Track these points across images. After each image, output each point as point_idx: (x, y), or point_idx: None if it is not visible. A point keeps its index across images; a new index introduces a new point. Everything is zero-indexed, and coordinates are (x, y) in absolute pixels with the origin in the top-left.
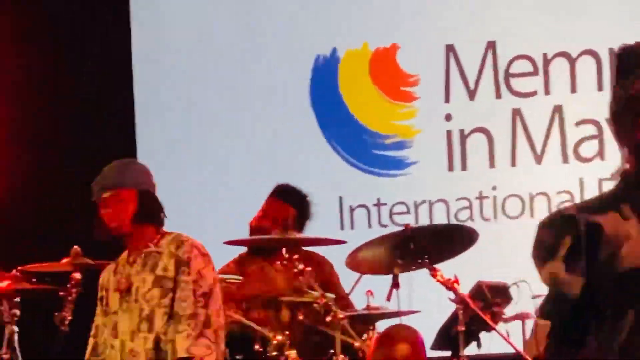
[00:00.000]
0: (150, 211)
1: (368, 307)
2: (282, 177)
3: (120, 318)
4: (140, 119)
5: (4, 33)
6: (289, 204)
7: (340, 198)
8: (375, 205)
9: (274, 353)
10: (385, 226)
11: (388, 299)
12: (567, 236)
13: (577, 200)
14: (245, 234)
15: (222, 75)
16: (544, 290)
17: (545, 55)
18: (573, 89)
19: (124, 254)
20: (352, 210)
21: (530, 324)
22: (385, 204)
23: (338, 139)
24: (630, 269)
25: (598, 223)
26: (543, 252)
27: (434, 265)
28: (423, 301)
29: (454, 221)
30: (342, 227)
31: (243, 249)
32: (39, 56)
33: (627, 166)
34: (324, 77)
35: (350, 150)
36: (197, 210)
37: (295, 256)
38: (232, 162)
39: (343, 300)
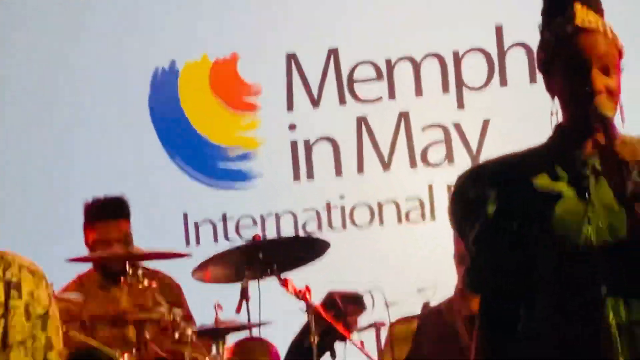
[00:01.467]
0: None
1: (217, 321)
2: (126, 195)
3: None
4: None
5: None
6: (121, 218)
7: (185, 214)
8: (220, 220)
9: None
10: (231, 240)
11: (238, 311)
12: (492, 192)
13: (427, 208)
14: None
15: (58, 92)
16: (398, 297)
17: (388, 60)
18: (418, 93)
19: None
20: (197, 226)
21: (384, 332)
22: (231, 218)
23: (181, 154)
24: (561, 236)
25: (528, 180)
26: (466, 209)
27: (285, 276)
28: (275, 312)
29: (302, 232)
30: (187, 243)
31: (84, 267)
32: None
33: (562, 120)
34: (164, 90)
35: (193, 165)
36: (37, 227)
37: (140, 272)
38: (73, 180)
39: (190, 320)
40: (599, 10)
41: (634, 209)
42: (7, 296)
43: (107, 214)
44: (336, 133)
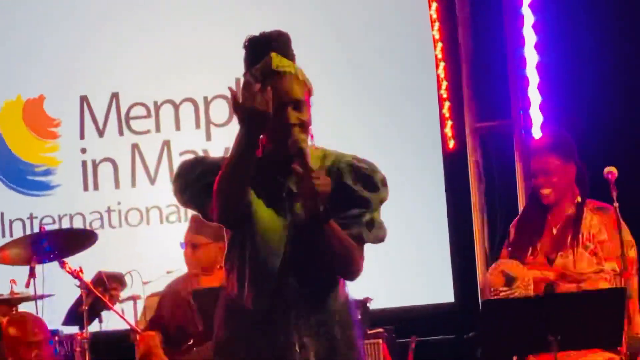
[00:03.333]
0: None
1: (11, 293)
2: None
3: None
4: None
5: None
6: None
7: (2, 213)
8: (28, 218)
9: None
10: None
11: (27, 286)
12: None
13: (183, 212)
14: None
15: None
16: (152, 277)
17: (155, 102)
18: (177, 127)
19: None
20: (11, 222)
21: (140, 303)
22: (36, 217)
23: (1, 169)
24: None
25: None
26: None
27: (64, 259)
28: (57, 287)
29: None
30: (3, 235)
31: None
32: None
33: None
34: None
35: (10, 177)
36: None
37: None
38: None
39: None
40: (291, 57)
41: (321, 227)
42: None
43: None
44: (116, 155)
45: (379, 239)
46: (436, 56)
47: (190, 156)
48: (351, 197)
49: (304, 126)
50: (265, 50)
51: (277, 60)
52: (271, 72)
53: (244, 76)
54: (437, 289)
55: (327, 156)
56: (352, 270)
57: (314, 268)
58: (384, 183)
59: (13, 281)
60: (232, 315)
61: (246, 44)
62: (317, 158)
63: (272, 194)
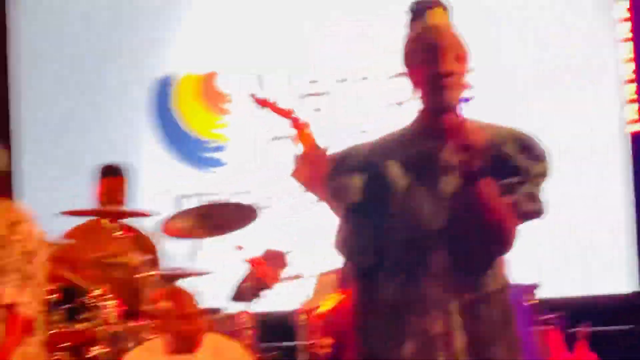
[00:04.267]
0: None
1: (175, 268)
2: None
3: None
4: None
5: None
6: (121, 176)
7: (171, 190)
8: (203, 195)
9: (94, 302)
10: None
11: (191, 261)
12: (355, 178)
13: None
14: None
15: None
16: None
17: (337, 79)
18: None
19: None
20: (181, 200)
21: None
22: (207, 195)
23: (172, 146)
24: (409, 220)
25: (385, 167)
26: (334, 191)
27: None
28: (220, 263)
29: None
30: None
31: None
32: None
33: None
34: (161, 94)
35: (183, 153)
36: (56, 197)
37: (116, 225)
38: (87, 158)
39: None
40: (447, 12)
41: (475, 186)
42: (9, 232)
43: (112, 173)
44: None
45: (536, 212)
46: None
47: None
48: (510, 166)
49: (460, 80)
50: (425, 8)
51: (434, 14)
52: (428, 24)
53: (405, 34)
54: (619, 277)
55: (484, 127)
56: (504, 240)
57: (468, 244)
58: (545, 156)
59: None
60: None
61: (410, 8)
62: (474, 128)
63: (423, 164)
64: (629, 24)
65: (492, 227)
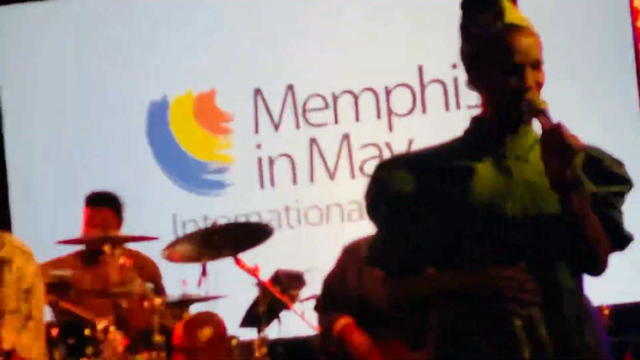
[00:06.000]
0: None
1: (182, 295)
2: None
3: None
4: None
5: None
6: (105, 207)
7: (174, 215)
8: (203, 219)
9: (100, 335)
10: None
11: (199, 285)
12: (409, 176)
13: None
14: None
15: (78, 122)
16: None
17: (333, 93)
18: (357, 119)
19: None
20: (184, 224)
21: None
22: (210, 218)
23: (171, 168)
24: (483, 209)
25: (446, 163)
26: (382, 194)
27: (238, 255)
28: (230, 287)
29: None
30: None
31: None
32: None
33: (481, 113)
34: (158, 117)
35: (183, 177)
36: (56, 224)
37: (118, 252)
38: (85, 187)
39: (163, 293)
40: (516, 4)
41: (569, 196)
42: (1, 271)
43: (93, 203)
44: (293, 151)
45: (629, 237)
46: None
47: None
48: (605, 173)
49: (540, 87)
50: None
51: (511, 11)
52: (505, 25)
53: (461, 25)
54: None
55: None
56: (598, 261)
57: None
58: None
59: (184, 282)
60: None
61: None
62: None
63: (492, 155)
64: None
65: (583, 246)
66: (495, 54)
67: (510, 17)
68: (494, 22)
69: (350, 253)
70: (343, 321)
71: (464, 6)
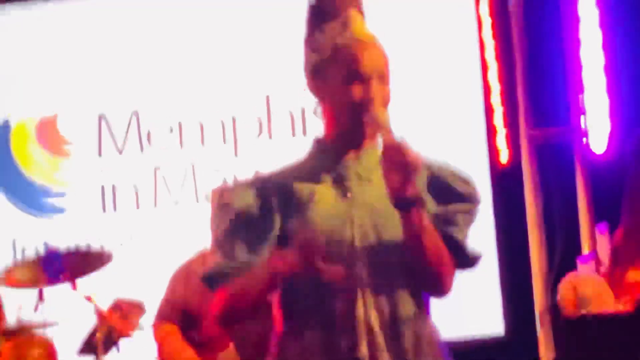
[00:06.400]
0: None
1: (18, 320)
2: None
3: None
4: None
5: None
6: None
7: (14, 240)
8: (42, 244)
9: None
10: None
11: (35, 310)
12: (253, 198)
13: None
14: None
15: None
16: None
17: (179, 121)
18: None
19: None
20: (23, 250)
21: None
22: (50, 243)
23: (12, 192)
24: (324, 234)
25: (288, 186)
26: (227, 218)
27: (76, 282)
28: (70, 313)
29: None
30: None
31: None
32: None
33: (323, 132)
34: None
35: (23, 201)
36: None
37: None
38: None
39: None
40: (363, 15)
41: (409, 213)
42: None
43: None
44: (137, 176)
45: (476, 255)
46: (484, 60)
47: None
48: (448, 191)
49: (386, 102)
50: (341, 6)
51: (358, 24)
52: (353, 38)
53: (305, 44)
54: (485, 319)
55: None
56: (440, 282)
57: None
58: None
59: (20, 307)
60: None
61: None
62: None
63: (333, 176)
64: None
65: (427, 265)
66: (341, 62)
67: (357, 29)
68: (341, 32)
69: (183, 271)
70: (166, 328)
71: (311, 17)
